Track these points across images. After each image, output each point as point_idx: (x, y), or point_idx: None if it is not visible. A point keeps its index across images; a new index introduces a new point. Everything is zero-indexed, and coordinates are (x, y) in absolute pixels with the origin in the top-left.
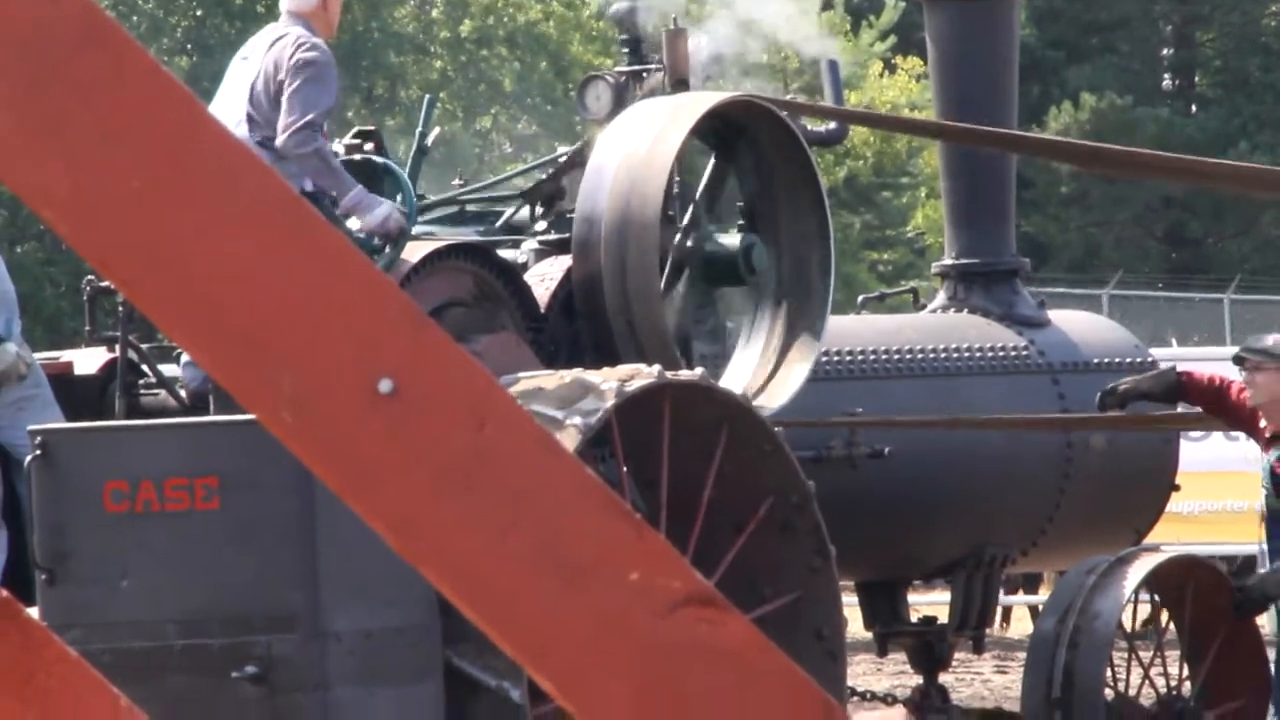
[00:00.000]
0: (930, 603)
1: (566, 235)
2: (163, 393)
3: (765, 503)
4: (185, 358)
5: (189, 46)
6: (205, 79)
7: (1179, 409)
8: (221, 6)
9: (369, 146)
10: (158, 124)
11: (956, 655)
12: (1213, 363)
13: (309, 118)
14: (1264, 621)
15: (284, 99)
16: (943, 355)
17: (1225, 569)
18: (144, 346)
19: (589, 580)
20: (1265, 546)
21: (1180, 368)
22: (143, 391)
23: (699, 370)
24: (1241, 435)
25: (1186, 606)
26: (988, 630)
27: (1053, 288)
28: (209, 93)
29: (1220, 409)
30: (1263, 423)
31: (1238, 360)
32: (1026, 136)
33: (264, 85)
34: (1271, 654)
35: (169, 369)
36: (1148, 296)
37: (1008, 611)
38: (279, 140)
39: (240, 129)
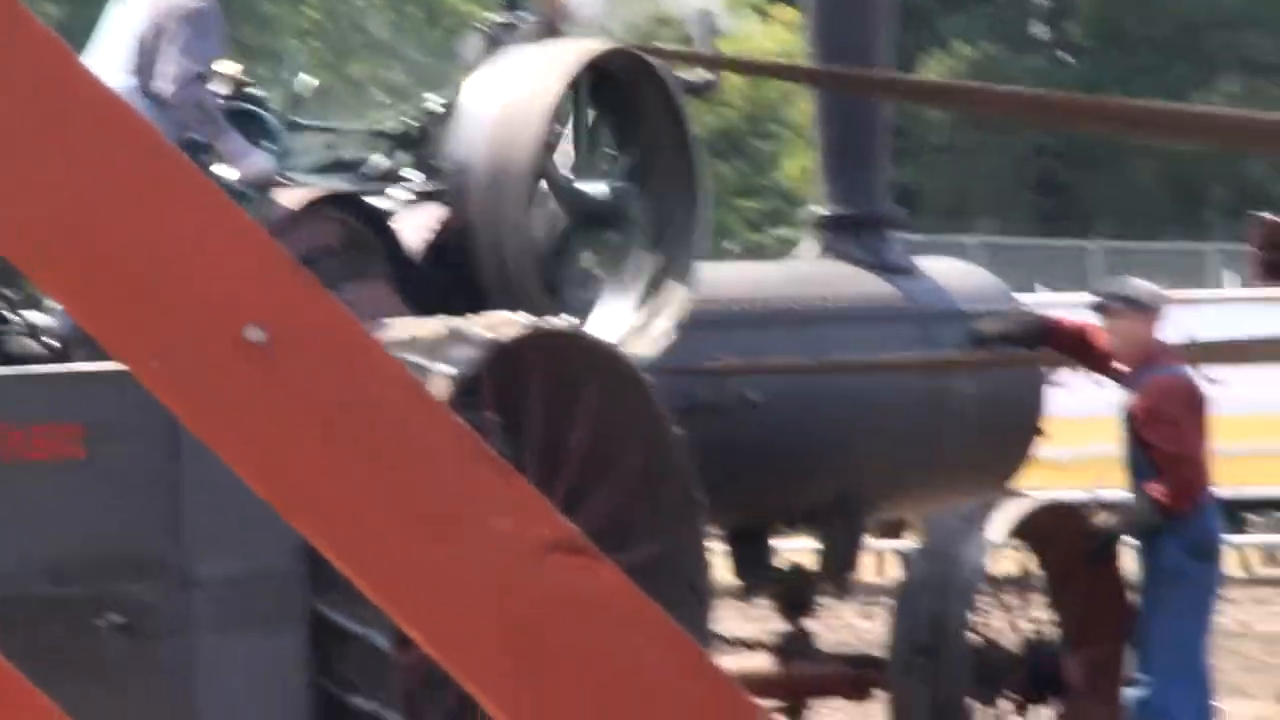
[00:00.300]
0: (797, 549)
1: (439, 184)
2: (29, 340)
3: (634, 451)
4: (53, 304)
5: None
6: (79, 29)
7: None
8: None
9: (241, 92)
10: (23, 68)
11: (822, 601)
12: (1080, 309)
13: (190, 67)
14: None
15: (167, 48)
16: (812, 303)
17: (1100, 512)
18: (9, 293)
19: (458, 528)
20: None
21: (1047, 314)
22: (10, 337)
23: (570, 319)
24: (1107, 381)
25: (1051, 552)
26: (854, 577)
27: (922, 234)
28: (82, 44)
29: (1086, 356)
30: (1121, 366)
31: (1097, 307)
32: (930, 82)
33: (147, 33)
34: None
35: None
36: (1015, 244)
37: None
38: (162, 89)
39: (123, 77)
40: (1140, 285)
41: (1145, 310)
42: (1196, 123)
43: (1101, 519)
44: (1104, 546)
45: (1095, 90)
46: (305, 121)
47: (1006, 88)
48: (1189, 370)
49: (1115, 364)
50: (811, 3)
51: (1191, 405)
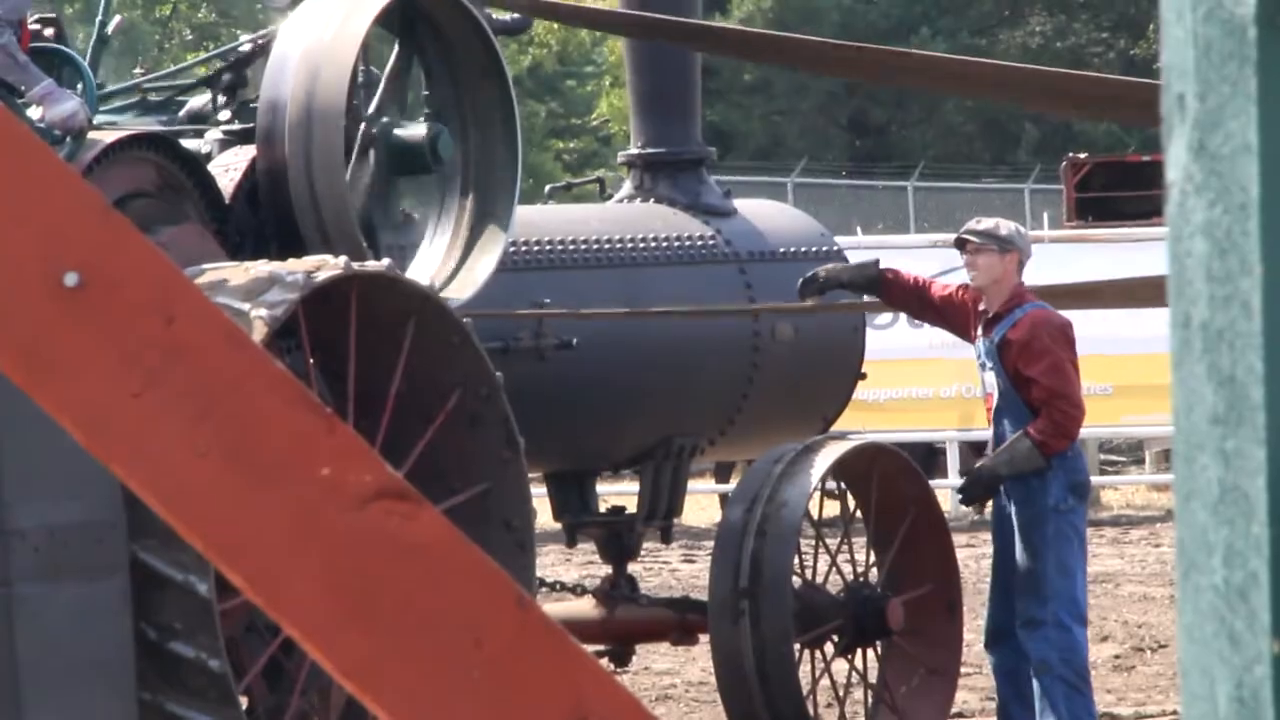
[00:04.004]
0: (619, 493)
1: (251, 125)
2: None
3: (453, 394)
4: None
5: None
6: None
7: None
8: None
9: (49, 34)
10: None
11: (645, 545)
12: (898, 250)
13: None
14: (948, 506)
15: None
16: (629, 245)
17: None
18: None
19: (279, 475)
20: (992, 430)
21: (882, 263)
22: None
23: (386, 261)
24: (927, 325)
25: (872, 494)
26: (675, 520)
27: (738, 176)
28: None
29: (921, 308)
30: (983, 305)
31: (959, 244)
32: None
33: None
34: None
35: None
36: (832, 185)
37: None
38: None
39: None
40: (1007, 224)
41: (1013, 249)
42: (1007, 77)
43: (982, 462)
44: (985, 488)
45: (901, 29)
46: (114, 86)
47: (812, 39)
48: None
49: (958, 313)
50: None
51: (1068, 341)
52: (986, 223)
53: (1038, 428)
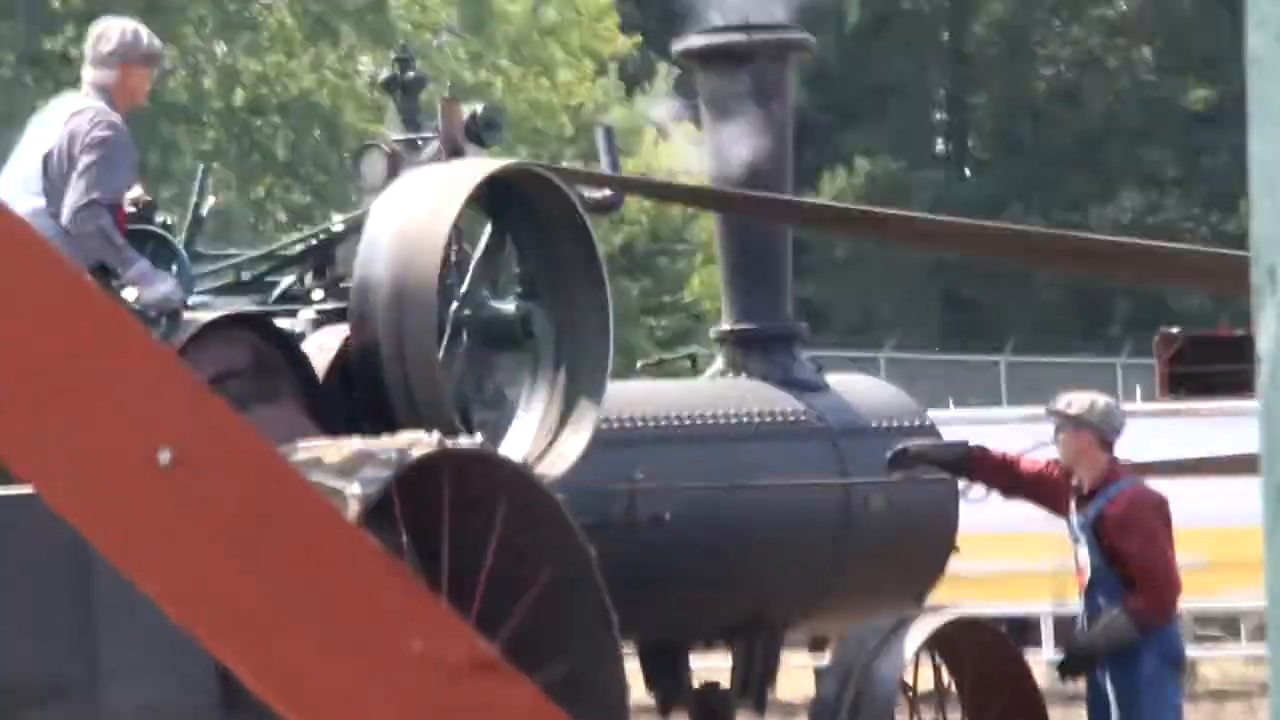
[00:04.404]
0: (712, 667)
1: (344, 304)
2: None
3: (546, 569)
4: None
5: None
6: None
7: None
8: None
9: (146, 216)
10: None
11: (739, 719)
12: (990, 425)
13: (94, 196)
14: (1042, 681)
15: (74, 176)
16: (722, 420)
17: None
18: None
19: (373, 649)
20: (1085, 605)
21: (966, 436)
22: None
23: (479, 437)
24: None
25: (967, 668)
26: (770, 693)
27: (830, 350)
28: None
29: (1011, 486)
30: (1075, 481)
31: (1053, 418)
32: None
33: (58, 158)
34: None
35: None
36: (924, 359)
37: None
38: (64, 217)
39: (31, 200)
40: (1083, 401)
41: (1084, 427)
42: (1102, 250)
43: (1078, 638)
44: (1082, 663)
45: (996, 205)
46: (209, 249)
47: (907, 214)
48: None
49: (1053, 489)
50: (711, 119)
51: (1162, 516)
52: (1064, 400)
53: (1135, 604)
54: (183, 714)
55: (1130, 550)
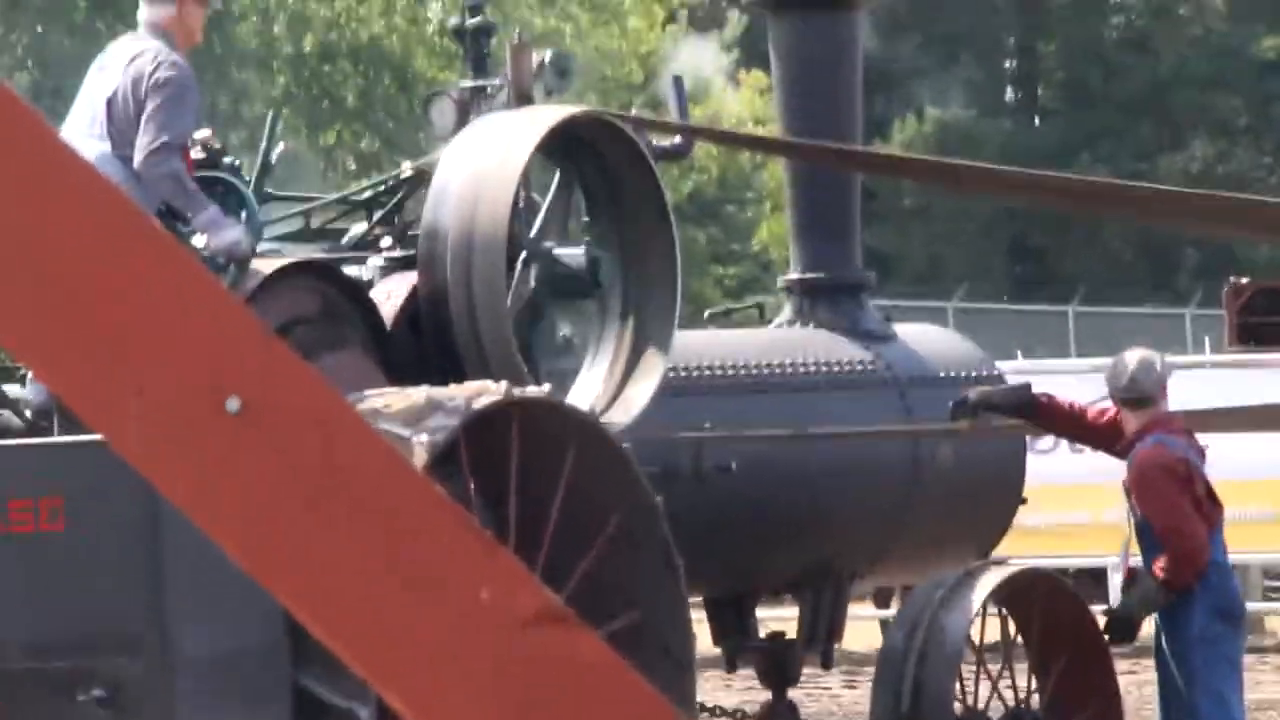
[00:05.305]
0: (779, 618)
1: (412, 252)
2: (6, 412)
3: (612, 518)
4: (30, 377)
5: (29, 63)
6: (45, 94)
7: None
8: (62, 22)
9: (216, 161)
10: (2, 143)
11: (805, 670)
12: (1058, 375)
13: (165, 139)
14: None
15: (142, 119)
16: (789, 370)
17: (1070, 582)
18: None
19: (439, 598)
20: (1124, 555)
21: (1034, 386)
22: None
23: (546, 386)
24: (1088, 450)
25: (1033, 620)
26: (836, 645)
27: (898, 300)
28: (50, 108)
29: (1076, 432)
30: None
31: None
32: (895, 157)
33: (123, 101)
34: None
35: (12, 389)
36: (993, 309)
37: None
38: (136, 161)
39: (97, 144)
40: (1115, 365)
41: (1116, 391)
42: (1166, 203)
43: (1119, 605)
44: (1124, 628)
45: (1064, 153)
46: (278, 192)
47: (977, 164)
48: (1174, 439)
49: (1115, 435)
50: (781, 67)
51: (1174, 474)
52: (1117, 368)
53: (1161, 565)
54: (251, 663)
55: (1147, 514)
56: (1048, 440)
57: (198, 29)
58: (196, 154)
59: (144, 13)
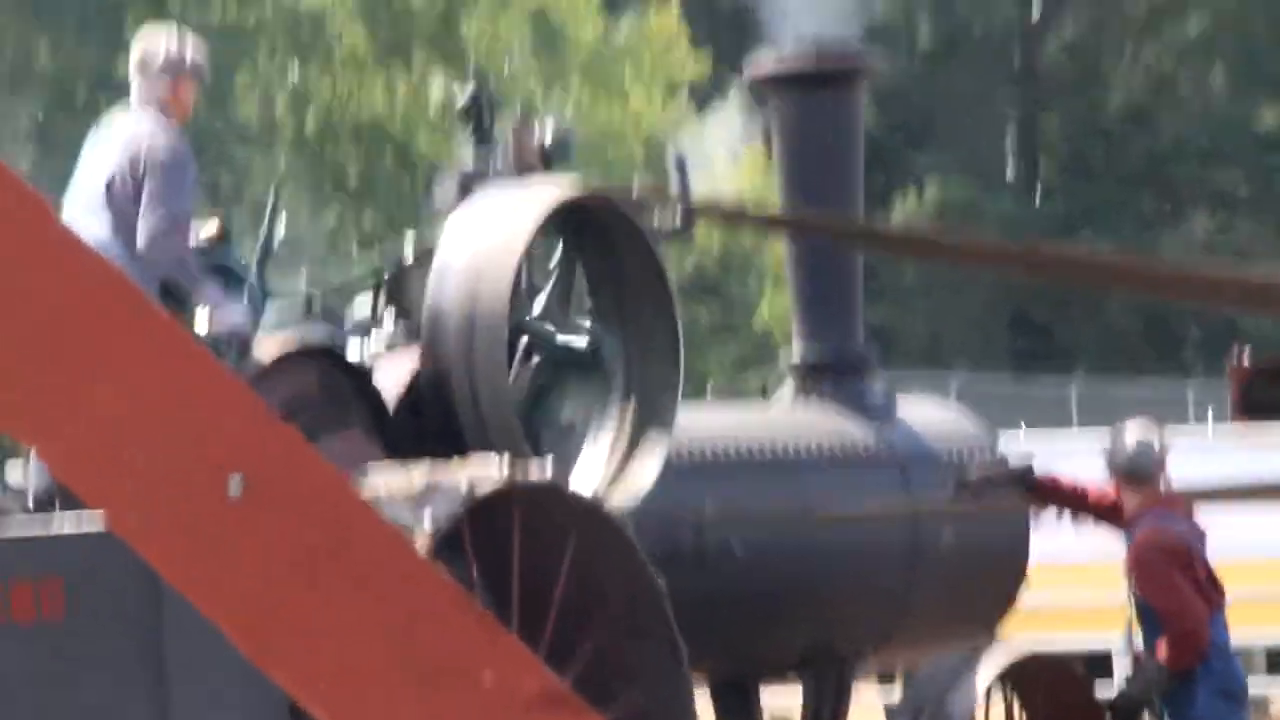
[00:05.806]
0: (785, 702)
1: (415, 329)
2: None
3: (616, 603)
4: (33, 459)
5: (30, 146)
6: (47, 175)
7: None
8: (63, 103)
9: (222, 245)
10: (6, 227)
11: None
12: (1062, 445)
13: (166, 221)
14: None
15: (143, 200)
16: (791, 449)
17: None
18: None
19: (443, 681)
20: (1128, 639)
21: (1036, 467)
22: None
23: (548, 467)
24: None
25: (1040, 703)
26: None
27: (900, 370)
28: (53, 187)
29: (1078, 509)
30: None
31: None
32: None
33: (121, 182)
34: None
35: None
36: (995, 384)
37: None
38: (139, 244)
39: (96, 225)
40: (1114, 443)
41: (1115, 470)
42: (1170, 276)
43: (1123, 690)
44: (1129, 715)
45: (1066, 227)
46: (281, 280)
47: (980, 240)
48: (1174, 520)
49: (1116, 513)
50: (781, 142)
51: (1173, 555)
52: (1115, 445)
53: (1162, 650)
54: None
55: (1146, 597)
56: (1052, 511)
57: (191, 103)
58: (204, 239)
59: (138, 88)
